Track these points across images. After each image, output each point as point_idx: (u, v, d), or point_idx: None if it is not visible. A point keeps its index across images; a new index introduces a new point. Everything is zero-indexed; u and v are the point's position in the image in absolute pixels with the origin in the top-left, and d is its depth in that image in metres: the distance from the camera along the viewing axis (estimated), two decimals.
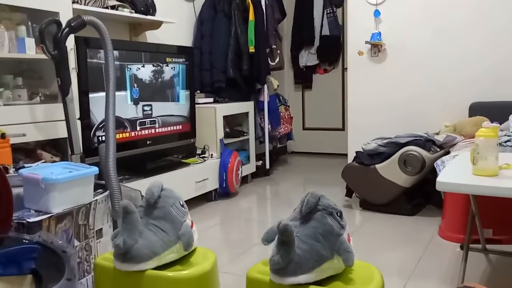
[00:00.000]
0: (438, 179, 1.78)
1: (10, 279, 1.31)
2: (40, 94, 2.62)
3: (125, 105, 3.09)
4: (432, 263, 2.43)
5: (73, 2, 2.74)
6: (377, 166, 3.23)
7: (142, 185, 2.83)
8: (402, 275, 2.27)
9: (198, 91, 4.12)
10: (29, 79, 2.63)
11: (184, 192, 3.32)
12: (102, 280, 1.44)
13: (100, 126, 2.88)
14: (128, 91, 3.11)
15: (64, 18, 2.34)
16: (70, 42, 2.56)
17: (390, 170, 3.17)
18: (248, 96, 4.49)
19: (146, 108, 3.25)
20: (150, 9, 3.43)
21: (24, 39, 2.48)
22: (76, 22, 2.14)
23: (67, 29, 2.16)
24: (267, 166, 4.63)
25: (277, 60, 4.79)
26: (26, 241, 1.39)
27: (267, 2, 4.42)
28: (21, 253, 1.36)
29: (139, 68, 3.19)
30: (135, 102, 3.17)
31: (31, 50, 2.50)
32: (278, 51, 4.84)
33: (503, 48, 3.53)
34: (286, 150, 5.59)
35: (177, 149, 3.57)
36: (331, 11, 5.40)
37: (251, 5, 4.26)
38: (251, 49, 4.24)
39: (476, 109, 3.49)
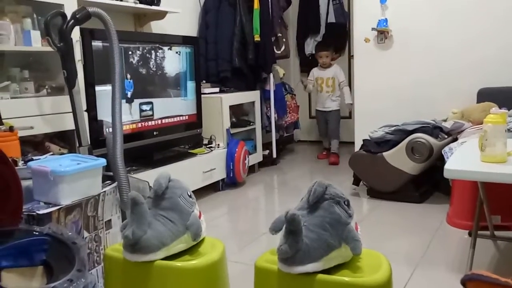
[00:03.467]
0: (446, 166, 1.77)
1: (22, 270, 1.33)
2: (46, 87, 2.63)
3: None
4: (440, 250, 2.42)
5: None
6: (384, 154, 3.22)
7: (149, 176, 2.84)
8: (410, 262, 2.27)
9: (204, 81, 4.11)
10: (35, 72, 2.64)
11: (192, 182, 3.33)
12: (112, 270, 1.46)
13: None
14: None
15: (69, 10, 2.34)
16: (76, 34, 2.55)
17: (398, 158, 3.16)
18: (254, 85, 4.47)
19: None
20: None
21: (30, 31, 2.49)
22: (81, 13, 2.14)
23: (72, 21, 2.16)
24: (274, 155, 4.63)
25: (282, 48, 4.76)
26: (37, 233, 1.40)
27: None
28: (31, 245, 1.37)
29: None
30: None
31: (37, 43, 2.51)
32: (284, 40, 4.81)
33: (510, 32, 3.48)
34: (292, 139, 5.57)
35: (183, 139, 3.58)
36: None
37: None
38: (257, 38, 4.22)
39: (484, 95, 3.46)
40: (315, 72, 4.84)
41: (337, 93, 4.76)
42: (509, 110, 2.91)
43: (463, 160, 1.92)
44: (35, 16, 2.55)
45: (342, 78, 4.76)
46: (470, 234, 2.46)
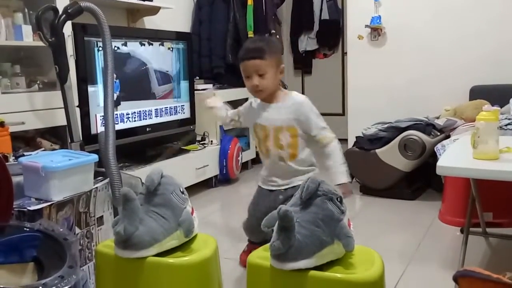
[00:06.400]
0: (439, 163, 1.78)
1: (12, 267, 1.32)
2: (38, 82, 2.60)
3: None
4: (432, 247, 2.43)
5: None
6: (377, 151, 3.23)
7: (142, 173, 2.83)
8: (403, 259, 2.28)
9: (197, 78, 4.09)
10: (27, 67, 2.61)
11: (185, 179, 3.31)
12: (103, 267, 1.45)
13: None
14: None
15: (60, 5, 2.31)
16: (68, 29, 2.53)
17: (391, 155, 3.17)
18: None
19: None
20: None
21: (21, 26, 2.46)
22: (73, 8, 2.12)
23: (64, 15, 2.14)
24: None
25: None
26: (27, 229, 1.40)
27: None
28: (22, 241, 1.36)
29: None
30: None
31: (28, 38, 2.48)
32: (277, 36, 4.79)
33: (504, 31, 3.49)
34: None
35: (177, 136, 3.56)
36: None
37: None
38: (250, 34, 4.20)
39: (477, 93, 3.47)
40: (252, 110, 2.30)
41: (302, 154, 2.14)
42: (501, 107, 2.93)
43: (455, 157, 1.93)
44: (26, 10, 2.52)
45: (316, 125, 2.11)
46: (462, 231, 2.47)
